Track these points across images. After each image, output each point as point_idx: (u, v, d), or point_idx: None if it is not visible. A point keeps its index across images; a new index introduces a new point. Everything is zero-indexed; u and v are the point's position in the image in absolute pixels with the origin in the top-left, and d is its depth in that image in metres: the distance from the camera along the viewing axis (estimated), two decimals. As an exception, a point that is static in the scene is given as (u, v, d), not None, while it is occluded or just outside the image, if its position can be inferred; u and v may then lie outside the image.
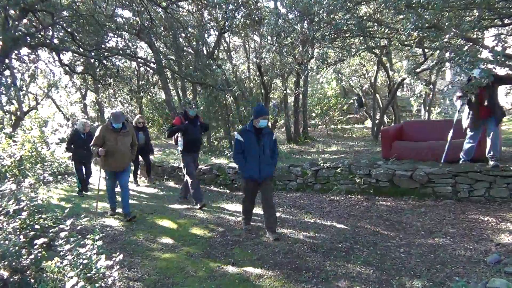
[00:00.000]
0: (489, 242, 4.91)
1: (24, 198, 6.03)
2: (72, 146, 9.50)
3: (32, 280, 3.94)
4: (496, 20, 6.86)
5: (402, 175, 7.11)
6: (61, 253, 4.22)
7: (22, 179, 8.62)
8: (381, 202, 7.03)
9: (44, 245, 4.71)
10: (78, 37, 10.97)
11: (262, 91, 14.94)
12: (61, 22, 10.10)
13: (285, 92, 16.80)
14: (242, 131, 5.82)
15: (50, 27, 9.87)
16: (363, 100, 21.95)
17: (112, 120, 6.83)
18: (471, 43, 6.22)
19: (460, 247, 4.82)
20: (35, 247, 4.38)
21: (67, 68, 12.75)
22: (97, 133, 6.91)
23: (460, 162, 7.11)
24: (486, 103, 6.68)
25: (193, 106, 7.91)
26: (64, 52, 11.54)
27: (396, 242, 5.20)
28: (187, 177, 7.81)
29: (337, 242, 5.35)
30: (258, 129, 5.76)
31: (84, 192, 9.74)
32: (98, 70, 14.55)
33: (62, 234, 4.49)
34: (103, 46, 12.25)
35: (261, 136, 5.76)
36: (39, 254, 4.36)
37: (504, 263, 4.20)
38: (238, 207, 7.52)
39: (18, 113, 14.73)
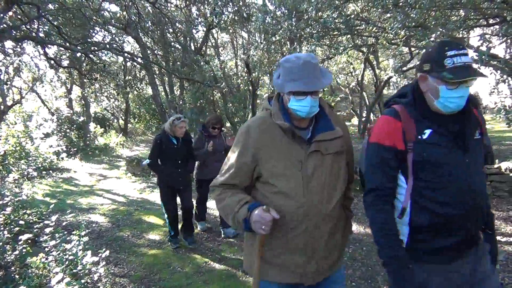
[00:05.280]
0: (471, 238, 5.00)
1: (8, 193, 6.00)
2: (158, 161, 5.29)
3: (17, 276, 3.91)
4: (481, 20, 6.95)
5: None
6: (46, 249, 4.19)
7: (6, 174, 8.54)
8: (367, 199, 7.08)
9: (29, 241, 4.68)
10: (64, 31, 10.82)
11: (250, 87, 14.91)
12: (47, 15, 9.95)
13: (272, 89, 16.80)
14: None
15: (35, 20, 9.71)
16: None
17: (284, 76, 2.00)
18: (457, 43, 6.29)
19: (444, 244, 4.89)
20: (20, 242, 4.35)
21: (52, 62, 12.56)
22: (237, 141, 2.13)
23: None
24: None
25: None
26: (49, 45, 11.37)
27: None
28: None
29: (323, 238, 5.40)
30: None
31: (182, 242, 5.54)
32: (84, 64, 14.39)
33: (47, 230, 4.46)
34: (89, 40, 12.11)
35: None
36: (24, 250, 4.33)
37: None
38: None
39: (2, 107, 14.51)
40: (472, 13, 6.57)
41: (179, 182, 5.29)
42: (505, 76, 5.87)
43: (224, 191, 2.10)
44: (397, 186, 1.95)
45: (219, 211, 2.20)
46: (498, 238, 4.98)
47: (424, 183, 1.87)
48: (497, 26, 7.04)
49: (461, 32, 6.92)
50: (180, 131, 5.15)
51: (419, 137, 1.88)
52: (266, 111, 2.14)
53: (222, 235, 5.71)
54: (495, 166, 6.53)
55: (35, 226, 5.41)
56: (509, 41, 7.43)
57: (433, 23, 6.15)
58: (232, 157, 2.11)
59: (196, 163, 5.61)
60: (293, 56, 1.98)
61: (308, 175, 1.98)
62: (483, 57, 4.98)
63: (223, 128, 5.87)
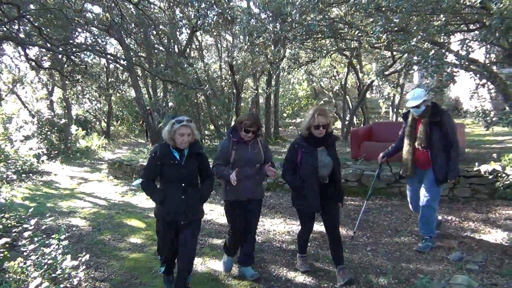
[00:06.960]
0: (452, 240, 5.07)
1: (-14, 196, 5.86)
2: (153, 180, 3.83)
3: (-7, 281, 3.82)
4: (462, 26, 7.06)
5: (370, 175, 7.24)
6: (25, 253, 4.12)
7: (-16, 177, 8.35)
8: (349, 201, 7.13)
9: (7, 245, 4.60)
10: (45, 32, 10.66)
11: (234, 90, 14.92)
12: (27, 16, 9.79)
13: (256, 91, 16.84)
14: None
15: (16, 21, 9.55)
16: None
17: None
18: (437, 47, 6.38)
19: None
20: (-3, 247, 4.26)
21: (33, 63, 12.36)
22: None
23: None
24: (422, 145, 4.56)
25: None
26: (30, 46, 11.19)
27: (363, 241, 5.30)
28: None
29: (306, 241, 5.41)
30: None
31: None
32: (66, 66, 14.21)
33: (26, 234, 4.39)
34: (71, 41, 11.95)
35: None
36: (1, 255, 4.25)
37: (466, 261, 4.35)
38: (207, 207, 7.47)
39: (-19, 108, 14.22)
40: (453, 18, 6.69)
41: (182, 214, 3.64)
42: (484, 80, 5.98)
43: None
44: None
45: None
46: (479, 239, 5.06)
47: None
48: (477, 32, 7.18)
49: (442, 36, 7.04)
50: (181, 139, 3.55)
51: None
52: None
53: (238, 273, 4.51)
54: (475, 169, 6.64)
55: (13, 230, 5.30)
56: (488, 46, 7.57)
57: (414, 27, 6.23)
58: None
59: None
60: None
61: None
62: (463, 61, 5.08)
63: (259, 132, 4.32)
